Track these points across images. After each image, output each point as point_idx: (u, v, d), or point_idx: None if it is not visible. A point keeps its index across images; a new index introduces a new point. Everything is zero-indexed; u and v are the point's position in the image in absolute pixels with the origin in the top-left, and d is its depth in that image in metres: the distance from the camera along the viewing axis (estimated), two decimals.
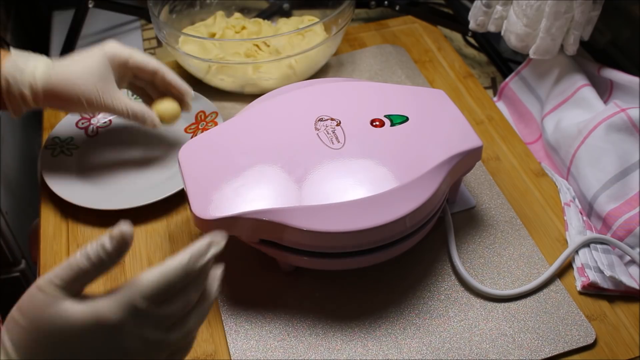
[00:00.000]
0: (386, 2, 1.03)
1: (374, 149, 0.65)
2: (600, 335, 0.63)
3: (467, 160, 0.67)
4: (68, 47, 1.00)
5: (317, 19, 0.92)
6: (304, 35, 0.88)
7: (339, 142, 0.65)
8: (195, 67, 0.88)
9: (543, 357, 0.61)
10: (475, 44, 1.01)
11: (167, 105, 0.76)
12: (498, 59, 0.97)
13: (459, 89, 0.90)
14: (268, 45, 0.87)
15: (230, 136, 0.67)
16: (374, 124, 0.67)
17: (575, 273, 0.68)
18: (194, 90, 0.88)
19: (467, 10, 0.91)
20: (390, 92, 0.72)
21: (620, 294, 0.66)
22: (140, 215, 0.75)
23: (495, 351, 0.62)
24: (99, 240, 0.43)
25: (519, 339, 0.63)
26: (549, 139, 0.81)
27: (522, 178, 0.78)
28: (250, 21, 0.94)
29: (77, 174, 0.78)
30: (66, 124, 0.84)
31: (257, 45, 0.87)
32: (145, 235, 0.73)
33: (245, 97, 0.89)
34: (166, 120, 0.76)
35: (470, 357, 0.61)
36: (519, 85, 0.89)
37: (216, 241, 0.45)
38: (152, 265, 0.71)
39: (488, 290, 0.66)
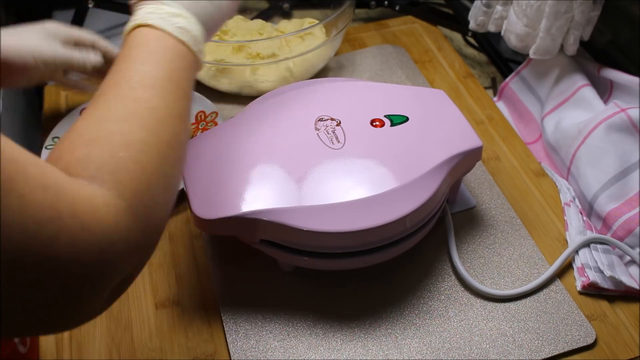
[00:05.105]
0: (386, 2, 1.03)
1: (374, 149, 0.65)
2: (600, 335, 0.63)
3: (467, 160, 0.67)
4: None
5: (317, 21, 0.92)
6: (303, 38, 0.88)
7: (339, 142, 0.65)
8: None
9: (543, 357, 0.61)
10: (475, 44, 1.01)
11: None
12: (498, 59, 0.97)
13: (459, 89, 0.90)
14: (267, 47, 0.86)
15: (230, 136, 0.67)
16: (374, 124, 0.67)
17: (575, 273, 0.68)
18: (194, 91, 0.88)
19: (467, 10, 0.91)
20: (390, 92, 0.72)
21: (620, 294, 0.66)
22: None
23: (495, 351, 0.62)
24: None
25: (519, 339, 0.63)
26: (549, 139, 0.81)
27: (522, 178, 0.78)
28: (250, 22, 0.94)
29: None
30: (66, 124, 0.84)
31: None
32: None
33: (245, 97, 0.89)
34: None
35: (470, 357, 0.61)
36: (519, 85, 0.89)
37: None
38: (152, 265, 0.71)
39: (488, 290, 0.66)
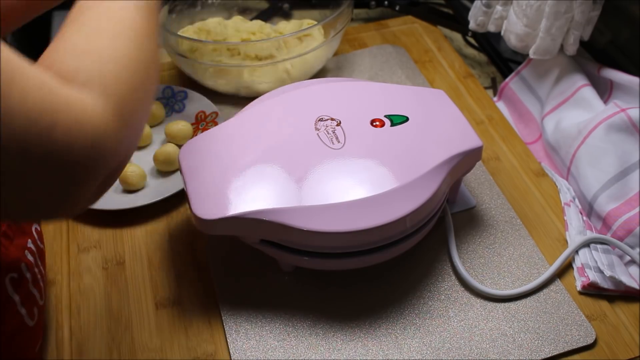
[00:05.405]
0: (386, 2, 1.03)
1: (374, 149, 0.65)
2: (600, 335, 0.63)
3: (467, 160, 0.67)
4: None
5: (316, 22, 0.92)
6: (301, 39, 0.87)
7: (339, 142, 0.65)
8: (192, 69, 0.88)
9: (543, 357, 0.61)
10: (475, 44, 1.01)
11: (180, 126, 0.81)
12: (498, 59, 0.97)
13: (459, 89, 0.90)
14: (265, 49, 0.86)
15: (230, 136, 0.67)
16: (374, 124, 0.67)
17: (575, 273, 0.68)
18: (193, 90, 0.88)
19: (467, 10, 0.91)
20: (390, 92, 0.72)
21: (620, 294, 0.66)
22: (140, 215, 0.75)
23: (495, 351, 0.62)
24: None
25: (519, 339, 0.63)
26: (549, 139, 0.81)
27: (522, 178, 0.78)
28: (249, 23, 0.93)
29: None
30: None
31: None
32: (145, 235, 0.73)
33: (245, 98, 0.89)
34: (178, 140, 0.81)
35: (470, 357, 0.61)
36: (519, 85, 0.89)
37: None
38: (152, 265, 0.71)
39: (488, 290, 0.66)
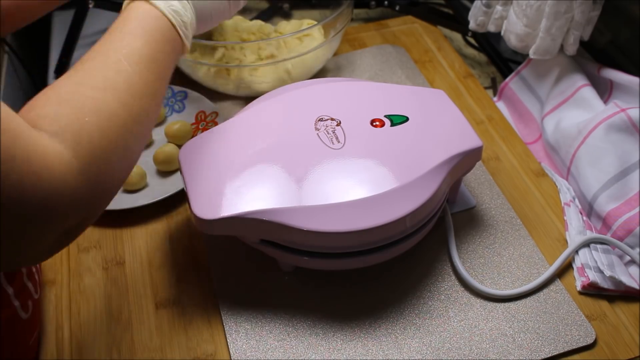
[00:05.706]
0: (386, 2, 1.03)
1: (374, 149, 0.65)
2: (600, 335, 0.63)
3: (467, 160, 0.67)
4: (68, 47, 1.00)
5: (316, 22, 0.92)
6: (301, 39, 0.87)
7: (339, 142, 0.65)
8: (191, 69, 0.88)
9: (543, 357, 0.61)
10: (475, 44, 1.01)
11: (178, 126, 0.81)
12: (498, 59, 0.97)
13: (459, 89, 0.90)
14: (265, 48, 0.86)
15: (230, 136, 0.67)
16: (374, 124, 0.67)
17: (575, 273, 0.68)
18: (193, 90, 0.88)
19: (467, 10, 0.91)
20: (390, 92, 0.72)
21: (620, 294, 0.66)
22: (140, 215, 0.75)
23: (495, 351, 0.62)
24: None
25: (519, 339, 0.63)
26: (549, 139, 0.81)
27: (522, 178, 0.78)
28: (250, 23, 0.93)
29: None
30: None
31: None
32: (145, 235, 0.73)
33: (245, 98, 0.89)
34: (178, 140, 0.81)
35: (470, 357, 0.61)
36: (519, 85, 0.89)
37: None
38: (152, 265, 0.71)
39: (488, 290, 0.66)
